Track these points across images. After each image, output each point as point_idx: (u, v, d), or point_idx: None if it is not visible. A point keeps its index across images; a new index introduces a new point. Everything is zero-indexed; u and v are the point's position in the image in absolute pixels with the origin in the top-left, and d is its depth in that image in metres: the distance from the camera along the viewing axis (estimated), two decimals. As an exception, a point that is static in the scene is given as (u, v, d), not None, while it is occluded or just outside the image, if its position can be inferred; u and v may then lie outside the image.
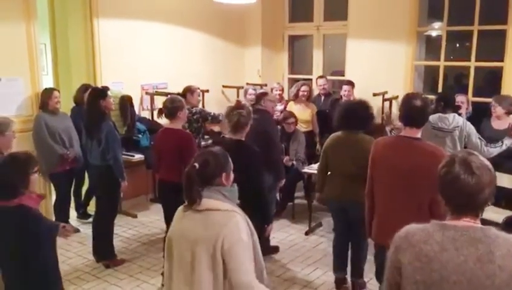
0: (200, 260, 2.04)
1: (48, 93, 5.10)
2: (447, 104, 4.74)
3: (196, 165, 2.12)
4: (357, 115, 3.86)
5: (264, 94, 4.98)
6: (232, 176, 2.24)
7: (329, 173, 4.03)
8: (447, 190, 1.67)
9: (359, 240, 4.01)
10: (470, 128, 4.50)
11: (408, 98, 3.12)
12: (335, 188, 3.95)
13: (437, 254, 1.60)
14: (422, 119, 3.08)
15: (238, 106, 3.81)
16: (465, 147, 4.52)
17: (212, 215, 2.07)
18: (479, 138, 4.53)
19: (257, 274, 2.11)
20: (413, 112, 3.06)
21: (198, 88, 5.81)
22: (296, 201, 6.06)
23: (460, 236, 1.60)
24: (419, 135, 3.09)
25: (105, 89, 4.58)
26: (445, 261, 1.59)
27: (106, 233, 4.69)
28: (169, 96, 4.63)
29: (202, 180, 2.11)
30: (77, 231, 5.42)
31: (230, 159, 2.25)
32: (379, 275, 3.70)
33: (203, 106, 6.61)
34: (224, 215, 2.07)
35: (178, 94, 5.69)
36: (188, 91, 5.62)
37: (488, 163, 1.67)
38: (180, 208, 2.21)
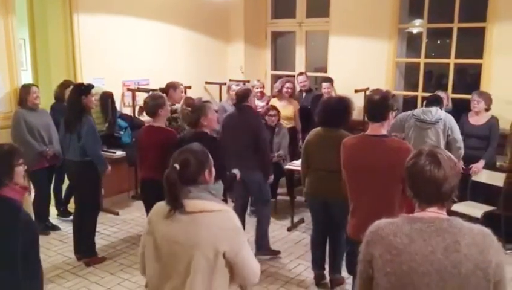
0: (197, 264, 1.98)
1: (26, 89, 5.02)
2: (431, 100, 4.81)
3: (177, 166, 2.04)
4: (336, 111, 3.88)
5: (249, 91, 4.77)
6: (213, 171, 2.19)
7: (310, 168, 4.05)
8: (414, 181, 1.72)
9: (337, 236, 4.04)
10: (453, 122, 4.58)
11: (370, 93, 3.19)
12: (315, 183, 3.98)
13: (406, 246, 1.65)
14: (381, 113, 3.09)
15: (187, 103, 3.84)
16: (447, 143, 4.60)
17: (208, 217, 2.01)
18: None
19: None
20: (370, 106, 3.13)
21: (182, 84, 5.73)
22: (279, 197, 6.08)
23: (427, 227, 1.66)
24: (384, 131, 3.12)
25: (88, 86, 4.54)
26: (414, 252, 1.64)
27: (89, 230, 4.64)
28: (150, 92, 4.57)
29: (185, 181, 2.04)
30: (57, 228, 5.38)
31: (209, 155, 2.19)
32: (350, 267, 3.76)
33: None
34: (221, 217, 2.03)
35: (161, 90, 5.65)
36: (171, 87, 5.52)
37: (453, 157, 1.74)
38: (161, 209, 2.10)
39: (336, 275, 4.13)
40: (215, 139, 3.71)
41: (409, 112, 4.88)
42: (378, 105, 3.08)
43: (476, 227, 1.67)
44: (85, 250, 4.63)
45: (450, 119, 4.59)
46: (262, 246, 4.70)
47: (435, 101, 4.81)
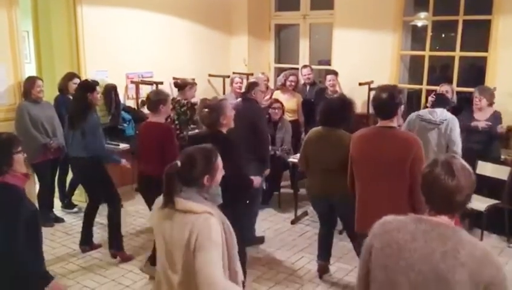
0: (177, 261, 2.04)
1: (30, 81, 5.03)
2: (438, 101, 4.77)
3: (178, 163, 2.07)
4: (337, 111, 3.87)
5: (255, 84, 4.86)
6: (217, 177, 2.18)
7: (309, 168, 4.03)
8: (428, 189, 1.74)
9: (348, 232, 4.03)
10: (455, 124, 4.53)
11: (377, 90, 3.20)
12: (316, 184, 3.95)
13: (407, 242, 1.68)
14: (388, 111, 3.10)
15: (204, 105, 3.78)
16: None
17: (188, 218, 2.02)
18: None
19: (231, 275, 2.09)
20: (378, 103, 3.13)
21: (196, 84, 5.86)
22: (282, 190, 6.08)
23: (431, 230, 1.68)
24: (392, 124, 3.12)
25: (94, 83, 4.57)
26: (414, 250, 1.67)
27: (118, 222, 4.59)
28: (155, 87, 4.54)
29: (182, 180, 2.07)
30: (61, 220, 5.40)
31: (218, 160, 2.17)
32: None
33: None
34: (198, 218, 2.01)
35: (176, 84, 5.65)
36: (189, 84, 5.65)
37: (469, 167, 1.74)
38: (159, 204, 2.15)
39: None
40: (230, 140, 3.63)
41: (414, 113, 4.81)
42: (385, 103, 3.09)
43: (481, 243, 1.69)
44: (115, 242, 4.58)
45: (453, 121, 4.54)
46: (247, 238, 4.62)
47: (441, 102, 4.76)
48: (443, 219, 1.71)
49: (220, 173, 2.19)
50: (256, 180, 4.05)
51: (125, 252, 4.59)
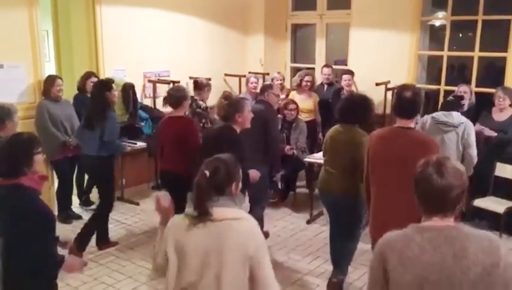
0: (229, 269, 1.99)
1: (50, 80, 5.11)
2: (449, 104, 4.72)
3: (207, 173, 2.06)
4: (355, 106, 3.84)
5: (269, 86, 4.89)
6: (240, 185, 2.19)
7: (324, 164, 4.03)
8: (419, 189, 1.76)
9: (344, 238, 3.99)
10: (471, 128, 4.48)
11: (400, 89, 3.16)
12: (327, 180, 3.93)
13: (418, 255, 1.68)
14: (411, 110, 3.07)
15: (225, 96, 3.83)
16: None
17: (235, 224, 2.03)
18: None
19: None
20: (402, 102, 3.09)
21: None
22: (298, 190, 6.09)
23: (437, 236, 1.69)
24: (411, 125, 3.11)
25: (110, 82, 4.61)
26: (426, 261, 1.67)
27: (96, 226, 4.65)
28: (172, 84, 4.59)
29: (214, 189, 2.06)
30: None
31: (240, 169, 2.19)
32: None
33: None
34: (247, 224, 2.05)
35: (195, 82, 5.68)
36: (207, 86, 5.68)
37: (461, 168, 1.75)
38: (183, 218, 2.11)
39: (338, 276, 4.02)
40: (239, 140, 3.65)
41: (428, 116, 4.74)
42: (409, 102, 3.05)
43: (483, 233, 1.71)
44: (100, 240, 4.68)
45: (470, 125, 4.50)
46: None
47: (453, 106, 4.70)
48: (438, 219, 1.72)
49: (240, 181, 2.21)
50: (255, 173, 4.02)
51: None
